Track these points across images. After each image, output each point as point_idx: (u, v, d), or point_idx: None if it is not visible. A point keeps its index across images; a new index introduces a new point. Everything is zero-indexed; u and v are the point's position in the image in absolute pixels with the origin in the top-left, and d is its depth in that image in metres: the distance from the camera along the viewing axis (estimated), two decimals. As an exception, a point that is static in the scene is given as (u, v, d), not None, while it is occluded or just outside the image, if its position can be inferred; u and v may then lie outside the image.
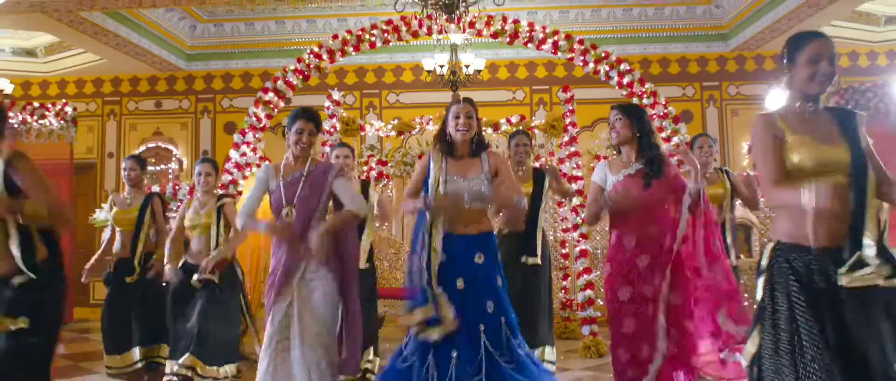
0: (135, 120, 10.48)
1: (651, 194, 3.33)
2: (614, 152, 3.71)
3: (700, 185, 3.20)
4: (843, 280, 2.01)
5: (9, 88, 9.30)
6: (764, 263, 2.22)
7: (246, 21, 10.05)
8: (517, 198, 3.28)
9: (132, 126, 10.49)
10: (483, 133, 3.38)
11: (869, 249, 2.02)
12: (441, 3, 5.10)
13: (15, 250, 2.50)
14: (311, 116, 3.46)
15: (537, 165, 5.60)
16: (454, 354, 3.01)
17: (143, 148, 10.33)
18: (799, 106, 2.34)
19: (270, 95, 5.95)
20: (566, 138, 6.23)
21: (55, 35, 8.87)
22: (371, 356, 4.87)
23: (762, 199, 5.28)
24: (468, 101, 3.29)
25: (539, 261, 4.79)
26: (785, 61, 2.37)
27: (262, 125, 5.97)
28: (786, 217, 2.24)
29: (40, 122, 8.23)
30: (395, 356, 3.21)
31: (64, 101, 8.29)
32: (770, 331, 2.11)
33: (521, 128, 5.87)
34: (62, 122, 8.38)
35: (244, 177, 5.87)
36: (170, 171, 10.26)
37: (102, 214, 6.74)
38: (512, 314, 3.20)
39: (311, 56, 6.07)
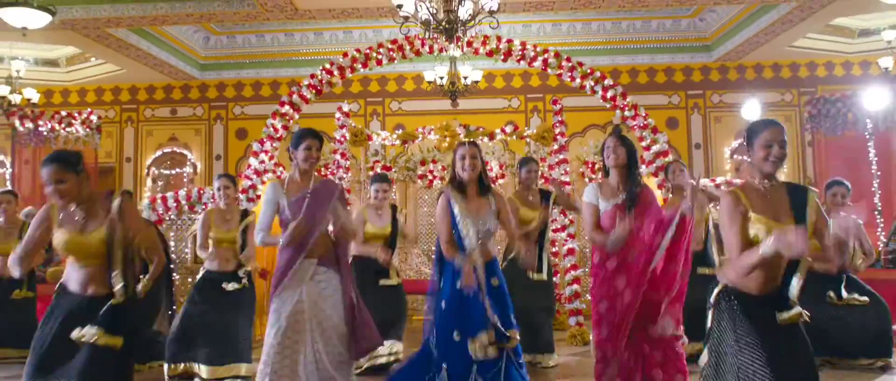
0: (151, 126, 11.09)
1: (639, 224, 3.88)
2: (602, 174, 4.22)
3: (687, 212, 3.73)
4: (778, 318, 2.69)
5: (35, 97, 9.89)
6: (711, 299, 2.84)
7: (256, 33, 10.65)
8: (517, 244, 3.88)
9: (149, 132, 11.09)
10: (486, 171, 3.89)
11: (793, 297, 2.69)
12: (441, 27, 5.69)
13: (116, 278, 2.93)
14: (316, 135, 3.88)
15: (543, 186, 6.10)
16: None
17: (159, 153, 10.93)
18: (758, 182, 2.86)
19: (286, 107, 6.54)
20: (556, 146, 6.82)
21: (81, 48, 9.47)
22: (397, 348, 5.38)
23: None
24: (473, 144, 3.86)
25: (545, 277, 5.36)
26: (745, 144, 2.91)
27: (278, 135, 6.56)
28: (730, 268, 2.82)
29: (68, 129, 8.83)
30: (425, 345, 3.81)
31: (89, 110, 8.88)
32: (714, 353, 2.76)
33: (530, 156, 6.43)
34: (87, 129, 8.98)
35: (263, 182, 6.46)
36: (184, 174, 10.85)
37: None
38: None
39: (324, 72, 6.66)
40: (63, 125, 8.80)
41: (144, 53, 9.52)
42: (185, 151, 10.93)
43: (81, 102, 11.02)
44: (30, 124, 8.70)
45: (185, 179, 10.71)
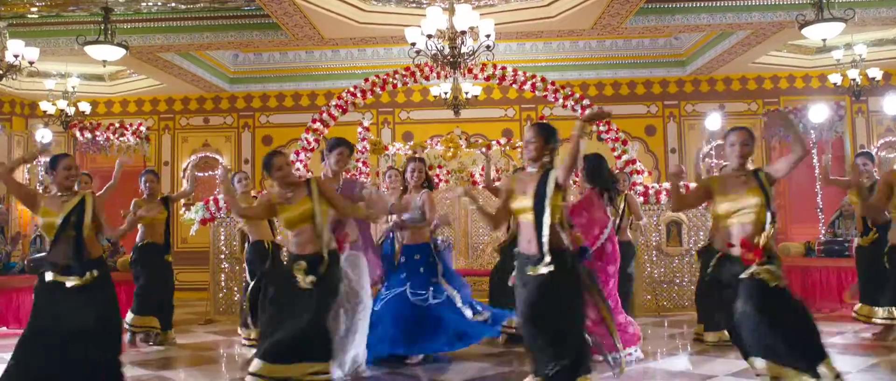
0: (186, 134, 12.42)
1: None
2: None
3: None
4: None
5: (87, 109, 11.20)
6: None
7: (281, 50, 11.95)
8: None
9: (184, 139, 12.42)
10: (430, 176, 5.40)
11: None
12: (447, 60, 6.98)
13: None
14: (348, 144, 4.99)
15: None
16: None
17: (193, 157, 12.25)
18: (729, 171, 4.05)
19: (318, 124, 7.86)
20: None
21: (131, 68, 10.77)
22: None
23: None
24: (420, 160, 5.31)
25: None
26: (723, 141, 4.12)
27: (311, 147, 7.88)
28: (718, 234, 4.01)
29: (121, 139, 10.15)
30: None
31: (139, 122, 10.19)
32: None
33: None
34: (137, 139, 10.31)
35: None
36: (216, 177, 12.16)
37: (190, 213, 8.49)
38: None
39: (349, 94, 7.98)
40: (117, 135, 10.12)
41: (182, 70, 10.81)
42: (217, 156, 12.25)
43: (123, 112, 12.34)
44: (89, 135, 10.02)
45: (217, 181, 12.00)
